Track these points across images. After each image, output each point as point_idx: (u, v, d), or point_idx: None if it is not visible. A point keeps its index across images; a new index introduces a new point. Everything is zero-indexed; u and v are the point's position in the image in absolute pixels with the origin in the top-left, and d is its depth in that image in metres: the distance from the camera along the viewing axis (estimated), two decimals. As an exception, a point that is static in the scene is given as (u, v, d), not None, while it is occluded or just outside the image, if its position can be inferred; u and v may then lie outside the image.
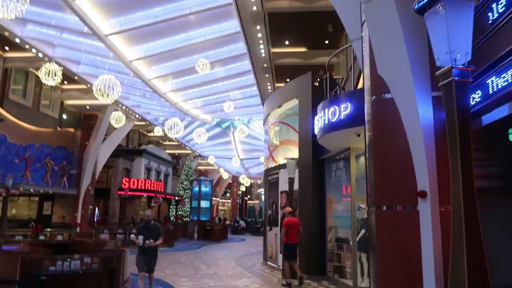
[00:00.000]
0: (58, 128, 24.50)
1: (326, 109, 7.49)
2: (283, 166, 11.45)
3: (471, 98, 4.12)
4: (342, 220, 9.91)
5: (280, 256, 11.10)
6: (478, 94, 4.17)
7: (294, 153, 11.23)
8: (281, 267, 10.67)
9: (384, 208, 4.58)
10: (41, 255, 7.61)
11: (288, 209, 9.76)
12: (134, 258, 10.51)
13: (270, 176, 12.79)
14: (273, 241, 11.96)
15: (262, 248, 13.54)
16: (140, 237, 7.38)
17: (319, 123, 7.97)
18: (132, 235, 8.01)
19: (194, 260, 13.56)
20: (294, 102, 11.48)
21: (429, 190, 4.28)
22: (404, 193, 4.52)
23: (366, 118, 5.05)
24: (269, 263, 12.23)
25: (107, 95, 13.87)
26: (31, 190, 21.91)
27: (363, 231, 8.67)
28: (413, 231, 4.35)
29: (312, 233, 10.15)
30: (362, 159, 9.20)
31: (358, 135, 7.34)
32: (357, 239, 8.57)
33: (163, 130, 19.72)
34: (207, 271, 11.07)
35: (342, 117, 7.01)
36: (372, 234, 4.68)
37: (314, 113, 10.01)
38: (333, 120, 7.27)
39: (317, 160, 10.41)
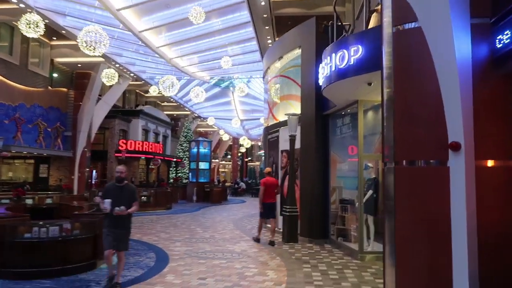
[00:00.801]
0: (50, 87, 23.46)
1: (333, 54, 6.52)
2: (284, 123, 10.61)
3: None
4: (347, 181, 9.18)
5: (280, 219, 10.49)
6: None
7: (295, 109, 10.34)
8: (281, 230, 10.08)
9: (405, 164, 3.76)
10: (18, 221, 6.95)
11: (267, 169, 10.38)
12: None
13: (270, 135, 11.96)
14: (273, 203, 11.31)
15: (262, 210, 12.94)
16: (107, 201, 5.35)
17: (324, 71, 7.02)
18: (97, 197, 5.95)
19: (191, 223, 13.02)
20: (296, 53, 10.45)
21: (464, 142, 3.44)
22: (431, 146, 3.69)
23: (385, 57, 4.12)
24: (268, 225, 11.64)
25: (94, 48, 12.83)
26: (24, 152, 21.21)
27: (370, 192, 7.97)
28: (440, 190, 3.57)
29: (314, 194, 9.45)
30: (370, 114, 8.32)
31: (369, 84, 6.43)
32: (364, 200, 7.86)
33: (159, 89, 18.71)
34: (204, 234, 10.50)
35: (352, 62, 6.06)
36: (389, 195, 3.89)
37: (319, 63, 9.01)
38: (341, 67, 6.32)
39: (320, 115, 9.53)
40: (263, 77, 13.35)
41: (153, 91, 23.65)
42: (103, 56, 20.46)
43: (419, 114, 3.77)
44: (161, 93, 30.69)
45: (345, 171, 9.22)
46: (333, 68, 6.55)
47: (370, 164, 8.19)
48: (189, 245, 8.87)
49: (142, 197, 16.98)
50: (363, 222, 7.80)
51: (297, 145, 9.79)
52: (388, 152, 3.94)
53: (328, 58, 6.73)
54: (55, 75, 23.54)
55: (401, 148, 3.77)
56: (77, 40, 13.04)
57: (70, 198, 12.61)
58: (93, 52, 12.94)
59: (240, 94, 24.07)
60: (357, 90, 7.04)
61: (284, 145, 10.80)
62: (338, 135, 9.25)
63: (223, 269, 6.70)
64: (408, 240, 3.74)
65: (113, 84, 25.55)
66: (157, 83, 24.05)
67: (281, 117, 11.08)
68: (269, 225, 11.31)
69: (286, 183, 10.46)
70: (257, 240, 9.41)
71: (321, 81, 7.56)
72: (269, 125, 12.13)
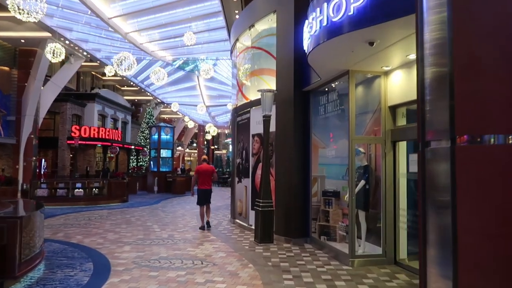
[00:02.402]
0: (-12, 65, 20.69)
1: (325, 4, 4.98)
2: (256, 102, 9.06)
3: None
4: (331, 169, 7.77)
5: (252, 214, 9.00)
6: None
7: (270, 85, 8.80)
8: (253, 227, 8.60)
9: (472, 140, 2.29)
10: None
11: (204, 156, 10.70)
12: (50, 223, 8.24)
13: (240, 117, 10.37)
14: (243, 195, 9.80)
15: (230, 203, 11.41)
16: None
17: (311, 29, 5.47)
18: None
19: (147, 218, 11.29)
20: (270, 19, 8.86)
21: None
22: None
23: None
24: (238, 221, 10.14)
25: (27, 13, 10.69)
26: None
27: (362, 182, 6.60)
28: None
29: (292, 185, 7.99)
30: (361, 89, 6.89)
31: (371, 44, 4.96)
32: (355, 192, 6.47)
33: (113, 68, 16.61)
34: (161, 234, 8.83)
35: (352, 12, 4.54)
36: (439, 186, 2.43)
37: (298, 29, 7.52)
38: (335, 19, 4.79)
39: (300, 92, 8.03)
40: (231, 52, 11.68)
41: (108, 72, 21.29)
42: (50, 30, 18.02)
43: (498, 63, 2.30)
44: (119, 76, 28.26)
45: (329, 157, 7.80)
46: (325, 23, 5.01)
47: (361, 149, 6.80)
48: (140, 249, 7.20)
49: (94, 189, 14.99)
50: (353, 219, 6.41)
51: (272, 127, 8.27)
52: (437, 126, 2.45)
53: (318, 10, 5.18)
54: (-7, 51, 20.72)
55: (465, 119, 2.30)
56: (7, 2, 10.82)
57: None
58: (27, 17, 10.80)
59: (206, 76, 22.18)
60: (351, 55, 5.57)
61: (256, 128, 9.26)
62: (322, 115, 7.79)
63: (180, 285, 5.11)
64: (480, 246, 2.29)
65: (63, 63, 23.08)
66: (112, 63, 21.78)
67: (253, 96, 9.51)
68: (238, 221, 9.84)
69: (258, 172, 8.95)
70: (202, 228, 9.45)
71: (306, 45, 6.01)
72: (238, 105, 10.52)
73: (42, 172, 24.59)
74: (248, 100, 9.72)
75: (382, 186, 6.44)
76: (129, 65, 15.49)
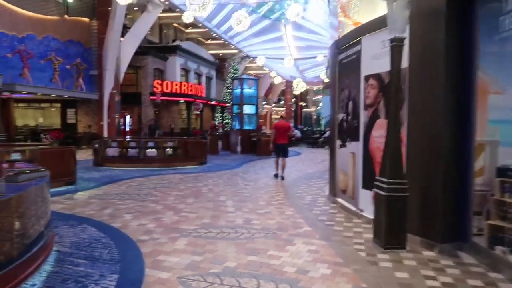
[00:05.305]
0: (66, 16, 19.81)
1: None
2: (372, 26, 5.88)
3: None
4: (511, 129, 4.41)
5: (362, 194, 6.10)
6: None
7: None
8: (364, 214, 5.74)
9: None
10: None
11: (281, 113, 9.78)
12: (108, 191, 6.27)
13: (344, 53, 7.22)
14: (349, 166, 6.85)
15: (328, 173, 8.55)
16: None
17: None
18: None
19: (222, 189, 9.01)
20: None
21: None
22: None
23: None
24: (340, 200, 7.31)
25: None
26: (38, 94, 18.08)
27: None
28: None
29: (436, 155, 4.84)
30: None
31: None
32: None
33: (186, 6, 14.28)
34: (234, 217, 6.40)
35: None
36: None
37: None
38: None
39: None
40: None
41: (186, 19, 19.15)
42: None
43: None
44: (201, 26, 26.15)
45: (508, 111, 4.42)
46: None
47: None
48: (199, 247, 4.78)
49: (167, 149, 13.20)
50: None
51: (404, 62, 5.04)
52: None
53: None
54: (70, 0, 19.67)
55: None
56: None
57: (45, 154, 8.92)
58: None
59: (294, 19, 18.84)
60: None
61: (370, 66, 6.10)
62: (499, 37, 4.36)
63: None
64: None
65: (140, 12, 21.49)
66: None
67: (365, 18, 6.28)
68: (340, 201, 7.06)
69: (375, 132, 5.91)
70: (275, 175, 10.48)
71: None
72: (341, 37, 7.34)
73: (126, 129, 24.12)
74: (359, 25, 6.50)
75: None
76: (204, 2, 12.96)
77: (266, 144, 18.16)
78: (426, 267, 4.24)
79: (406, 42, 4.85)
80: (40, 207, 4.24)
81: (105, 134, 20.61)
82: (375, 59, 5.94)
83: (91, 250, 4.61)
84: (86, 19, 20.44)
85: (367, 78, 6.22)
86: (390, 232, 4.78)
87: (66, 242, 4.88)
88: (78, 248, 4.66)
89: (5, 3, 15.76)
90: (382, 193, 4.80)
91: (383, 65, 5.54)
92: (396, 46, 4.72)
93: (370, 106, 6.11)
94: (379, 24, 5.53)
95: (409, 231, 4.95)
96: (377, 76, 5.88)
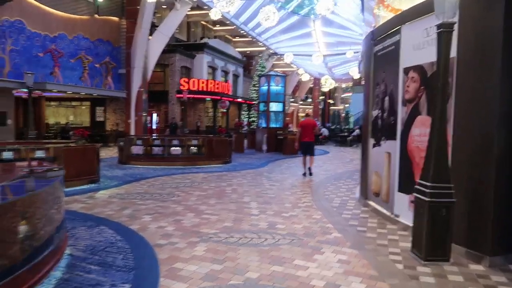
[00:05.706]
0: (96, 16, 19.97)
1: None
2: (413, 13, 5.34)
3: None
4: None
5: (398, 198, 5.56)
6: None
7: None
8: (400, 219, 5.19)
9: None
10: None
11: (307, 111, 11.77)
12: (129, 190, 6.08)
13: (380, 44, 6.66)
14: (383, 167, 6.31)
15: (360, 174, 8.01)
16: None
17: None
18: None
19: (247, 189, 8.62)
20: None
21: None
22: None
23: None
24: (372, 204, 6.77)
25: None
26: (68, 92, 18.28)
27: None
28: None
29: (488, 156, 4.26)
30: None
31: None
32: None
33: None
34: (258, 220, 5.99)
35: None
36: None
37: None
38: None
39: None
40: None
41: (214, 15, 18.90)
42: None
43: None
44: (229, 23, 25.90)
45: None
46: None
47: None
48: (219, 254, 4.40)
49: (191, 148, 12.94)
50: None
51: (452, 51, 4.47)
52: None
53: None
54: (100, 0, 19.80)
55: None
56: None
57: (72, 151, 8.83)
58: None
59: (324, 13, 18.21)
60: None
61: (411, 57, 5.53)
62: None
63: None
64: None
65: (169, 10, 21.42)
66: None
67: (405, 4, 5.72)
68: (372, 204, 6.52)
69: (415, 131, 5.35)
70: (304, 174, 10.51)
71: None
72: (376, 27, 6.79)
73: (153, 127, 24.17)
74: (398, 12, 5.94)
75: None
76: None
77: (293, 142, 17.65)
78: (475, 284, 3.70)
79: (455, 28, 4.29)
80: (51, 208, 3.97)
81: (132, 132, 20.66)
82: (416, 49, 5.38)
83: (105, 255, 4.31)
84: (116, 18, 20.54)
85: (406, 70, 5.66)
86: (432, 241, 4.23)
87: (81, 245, 4.61)
88: (92, 253, 4.37)
89: (39, 4, 15.98)
90: (424, 198, 4.26)
91: (426, 56, 5.00)
92: (445, 32, 4.16)
93: (410, 102, 5.54)
94: (422, 9, 4.99)
95: (454, 240, 4.39)
96: (419, 68, 5.32)
